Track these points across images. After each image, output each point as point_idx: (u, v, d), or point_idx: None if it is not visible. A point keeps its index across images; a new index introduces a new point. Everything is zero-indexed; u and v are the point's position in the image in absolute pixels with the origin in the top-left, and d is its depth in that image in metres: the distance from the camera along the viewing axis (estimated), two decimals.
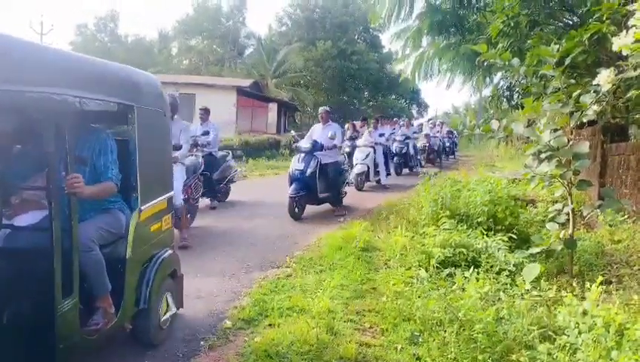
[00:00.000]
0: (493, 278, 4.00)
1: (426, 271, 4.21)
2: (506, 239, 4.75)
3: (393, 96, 40.22)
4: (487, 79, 14.85)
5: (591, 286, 3.04)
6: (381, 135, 11.64)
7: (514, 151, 16.97)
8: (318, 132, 8.11)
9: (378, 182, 11.22)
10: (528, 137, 4.31)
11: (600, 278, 3.23)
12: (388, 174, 11.87)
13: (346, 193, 8.60)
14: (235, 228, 6.74)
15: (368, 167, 10.62)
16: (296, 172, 7.43)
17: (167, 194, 3.37)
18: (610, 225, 4.87)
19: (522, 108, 8.28)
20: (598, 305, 2.86)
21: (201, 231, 6.46)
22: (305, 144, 7.75)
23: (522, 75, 4.59)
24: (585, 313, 2.78)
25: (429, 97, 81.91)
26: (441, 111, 56.17)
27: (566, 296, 3.07)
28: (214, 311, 3.82)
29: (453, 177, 7.21)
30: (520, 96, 9.26)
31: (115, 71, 2.81)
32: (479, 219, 5.55)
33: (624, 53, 3.57)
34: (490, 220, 5.51)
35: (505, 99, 10.29)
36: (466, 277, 3.77)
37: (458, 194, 6.24)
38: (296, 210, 7.32)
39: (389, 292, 3.94)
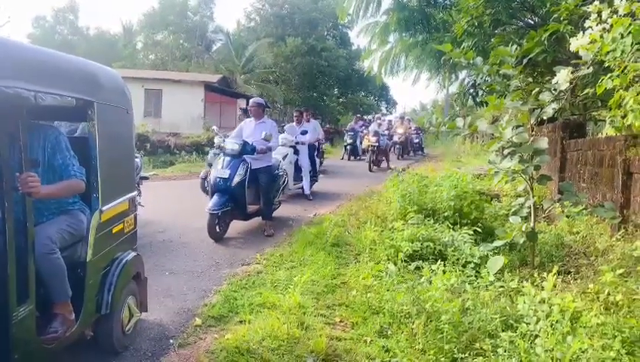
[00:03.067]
0: (460, 271, 4.12)
1: (395, 264, 4.30)
2: (471, 233, 4.91)
3: (362, 93, 40.48)
4: (453, 76, 15.19)
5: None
6: (304, 132, 9.45)
7: (479, 147, 17.39)
8: (250, 130, 6.56)
9: (303, 191, 9.22)
10: (492, 134, 4.45)
11: (556, 268, 3.37)
12: (314, 180, 9.84)
13: (279, 204, 7.23)
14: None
15: (286, 172, 8.18)
16: (220, 180, 5.93)
17: (130, 195, 3.28)
18: (568, 216, 5.08)
19: (487, 105, 8.51)
20: (556, 294, 3.00)
21: (172, 228, 6.37)
22: (232, 145, 6.14)
23: (486, 73, 4.73)
24: (542, 301, 2.91)
25: (397, 94, 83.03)
26: (410, 108, 57.08)
27: (525, 286, 3.20)
28: (184, 309, 3.80)
29: (420, 173, 7.34)
30: (485, 94, 9.50)
31: (74, 64, 2.70)
32: (446, 214, 5.70)
33: (581, 53, 3.74)
34: (457, 214, 5.66)
35: (470, 97, 10.53)
36: (433, 270, 3.87)
37: (425, 189, 6.37)
38: (218, 228, 5.86)
39: (359, 286, 4.00)
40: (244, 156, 6.16)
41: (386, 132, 16.16)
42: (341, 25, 34.66)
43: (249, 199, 6.21)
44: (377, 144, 13.98)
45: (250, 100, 7.04)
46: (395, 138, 18.16)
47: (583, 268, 4.11)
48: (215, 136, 9.18)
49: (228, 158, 6.11)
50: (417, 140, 21.17)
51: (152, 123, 19.77)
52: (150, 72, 26.44)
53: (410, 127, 20.73)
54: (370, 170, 13.61)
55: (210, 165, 8.64)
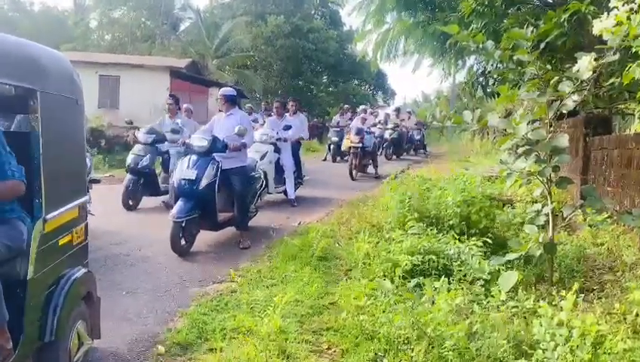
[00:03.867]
0: (467, 288, 4.14)
1: (392, 281, 4.30)
2: (480, 244, 4.93)
3: (356, 82, 40.62)
4: (460, 63, 15.24)
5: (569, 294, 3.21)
6: (287, 128, 9.34)
7: (490, 145, 17.50)
8: (221, 124, 6.61)
9: (285, 194, 9.28)
10: (505, 130, 4.48)
11: (577, 285, 3.40)
12: (299, 183, 9.84)
13: (257, 211, 7.22)
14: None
15: (266, 174, 8.21)
16: (185, 183, 5.83)
17: (80, 200, 3.25)
18: (591, 225, 5.13)
19: (499, 96, 8.58)
20: (577, 315, 3.02)
21: (130, 239, 6.31)
22: (199, 141, 6.07)
23: (497, 59, 4.77)
24: (561, 323, 2.93)
25: (396, 83, 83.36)
26: (410, 99, 57.41)
27: (541, 306, 3.22)
28: (144, 335, 3.77)
29: (422, 175, 7.38)
30: (496, 83, 9.58)
31: (13, 46, 2.64)
32: (451, 222, 5.73)
33: (605, 37, 3.79)
34: (464, 223, 5.69)
35: (480, 86, 10.61)
36: (435, 288, 3.88)
37: (428, 194, 6.41)
38: (184, 240, 5.77)
39: (350, 307, 4.00)
40: (214, 154, 6.06)
41: (374, 129, 15.35)
42: (331, 2, 34.77)
43: (220, 205, 6.11)
44: (361, 145, 12.78)
45: (220, 90, 7.03)
46: (386, 135, 17.49)
47: (607, 284, 4.16)
48: (136, 131, 8.63)
49: (195, 157, 5.98)
50: (419, 137, 21.19)
51: (108, 115, 19.59)
52: (106, 56, 26.23)
53: (407, 118, 20.69)
54: (353, 178, 12.48)
55: (129, 170, 8.38)
